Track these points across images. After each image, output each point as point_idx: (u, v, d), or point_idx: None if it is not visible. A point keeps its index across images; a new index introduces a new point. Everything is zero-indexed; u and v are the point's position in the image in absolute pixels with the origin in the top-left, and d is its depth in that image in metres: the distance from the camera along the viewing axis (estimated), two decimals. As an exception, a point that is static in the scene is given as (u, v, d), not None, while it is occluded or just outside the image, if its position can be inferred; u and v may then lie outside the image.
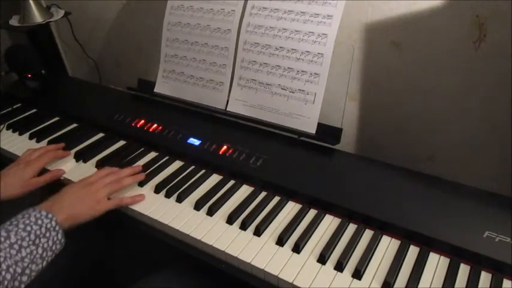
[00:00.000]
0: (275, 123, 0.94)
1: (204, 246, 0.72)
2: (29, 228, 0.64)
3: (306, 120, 0.90)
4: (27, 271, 0.62)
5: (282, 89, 0.92)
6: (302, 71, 0.90)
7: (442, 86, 0.93)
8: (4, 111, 1.19)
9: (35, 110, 1.20)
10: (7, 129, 1.11)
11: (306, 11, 0.89)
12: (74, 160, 0.96)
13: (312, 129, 0.90)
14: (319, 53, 0.87)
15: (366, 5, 0.93)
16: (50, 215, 0.67)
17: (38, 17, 1.29)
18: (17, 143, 1.05)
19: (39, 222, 0.66)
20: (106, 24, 1.44)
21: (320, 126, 0.89)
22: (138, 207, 0.80)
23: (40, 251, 0.64)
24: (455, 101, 0.93)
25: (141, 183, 0.86)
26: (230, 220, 0.75)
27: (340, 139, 0.88)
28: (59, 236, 0.68)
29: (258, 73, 0.95)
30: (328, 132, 0.88)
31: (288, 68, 0.91)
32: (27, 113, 1.19)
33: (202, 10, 1.02)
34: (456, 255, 0.65)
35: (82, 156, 0.95)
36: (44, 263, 0.65)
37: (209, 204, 0.79)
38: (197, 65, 1.04)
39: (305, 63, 0.89)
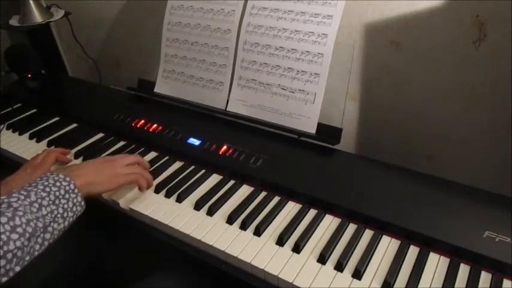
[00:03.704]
0: (275, 123, 0.94)
1: (204, 246, 0.72)
2: (48, 189, 0.65)
3: (306, 120, 0.90)
4: (50, 229, 0.62)
5: (282, 89, 0.93)
6: (302, 71, 0.90)
7: (442, 86, 0.93)
8: (4, 111, 1.19)
9: (35, 110, 1.20)
10: (7, 129, 1.11)
11: (306, 11, 0.89)
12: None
13: (312, 129, 0.90)
14: (319, 53, 0.87)
15: (366, 5, 0.93)
16: (67, 178, 0.68)
17: (38, 17, 1.29)
18: (17, 143, 1.04)
19: (58, 184, 0.66)
20: (106, 24, 1.44)
21: (320, 126, 0.89)
22: (138, 207, 0.80)
23: (61, 210, 0.65)
24: (455, 101, 0.93)
25: (141, 183, 0.86)
26: (230, 220, 0.75)
27: (340, 139, 0.88)
28: (79, 198, 0.68)
29: (258, 73, 0.95)
30: (328, 132, 0.88)
31: (288, 68, 0.91)
32: (27, 113, 1.19)
33: (202, 10, 1.02)
34: (456, 255, 0.65)
35: (82, 157, 0.95)
36: (66, 223, 0.66)
37: (209, 204, 0.79)
38: (197, 65, 1.04)
39: (305, 63, 0.89)
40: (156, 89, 1.12)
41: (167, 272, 0.79)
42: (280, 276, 0.65)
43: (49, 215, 0.63)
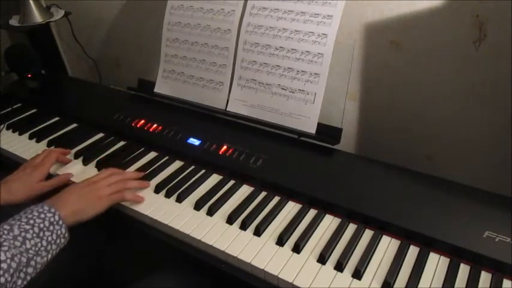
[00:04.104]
0: (275, 123, 0.94)
1: (204, 246, 0.72)
2: (32, 221, 0.64)
3: (306, 120, 0.90)
4: (32, 263, 0.62)
5: (282, 89, 0.92)
6: (302, 71, 0.89)
7: (442, 86, 0.93)
8: (4, 111, 1.19)
9: (35, 110, 1.20)
10: (7, 129, 1.11)
11: (306, 11, 0.89)
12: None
13: (312, 129, 0.90)
14: (319, 53, 0.87)
15: (366, 5, 0.93)
16: (52, 210, 0.67)
17: (38, 17, 1.29)
18: (17, 143, 1.04)
19: (42, 216, 0.66)
20: (106, 24, 1.44)
21: (320, 126, 0.89)
22: (138, 207, 0.80)
23: (44, 243, 0.64)
24: (455, 101, 0.93)
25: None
26: (230, 220, 0.75)
27: (340, 139, 0.88)
28: (63, 230, 0.68)
29: (258, 73, 0.95)
30: (328, 132, 0.88)
31: (288, 68, 0.91)
32: (27, 113, 1.19)
33: (202, 10, 1.02)
34: (456, 255, 0.65)
35: (82, 156, 0.95)
36: (49, 256, 0.65)
37: (209, 204, 0.79)
38: (197, 65, 1.04)
39: (305, 63, 0.89)
40: (156, 89, 1.12)
41: (167, 272, 0.79)
42: (280, 276, 0.65)
43: (33, 248, 0.62)
